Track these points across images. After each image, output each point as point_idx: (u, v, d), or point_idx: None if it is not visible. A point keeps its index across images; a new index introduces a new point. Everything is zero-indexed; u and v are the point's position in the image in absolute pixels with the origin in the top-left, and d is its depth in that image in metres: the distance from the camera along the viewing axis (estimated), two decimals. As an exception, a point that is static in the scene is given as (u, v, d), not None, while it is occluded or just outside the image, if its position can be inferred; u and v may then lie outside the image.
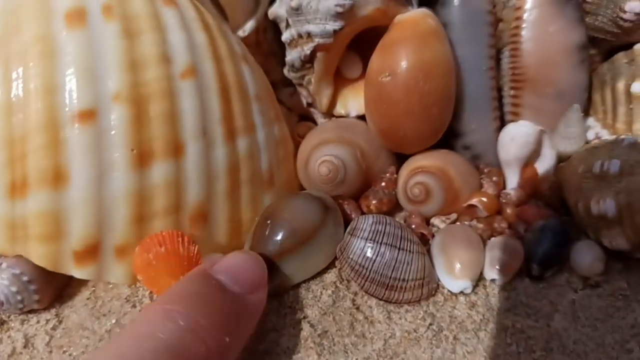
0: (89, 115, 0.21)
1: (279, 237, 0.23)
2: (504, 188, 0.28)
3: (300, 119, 0.32)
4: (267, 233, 0.23)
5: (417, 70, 0.25)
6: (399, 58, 0.25)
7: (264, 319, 0.23)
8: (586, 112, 0.30)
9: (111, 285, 0.26)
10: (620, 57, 0.29)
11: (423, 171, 0.26)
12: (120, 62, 0.22)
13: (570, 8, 0.27)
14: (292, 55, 0.28)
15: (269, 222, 0.24)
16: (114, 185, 0.22)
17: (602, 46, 0.30)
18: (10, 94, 0.21)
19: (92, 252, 0.22)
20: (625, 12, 0.27)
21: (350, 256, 0.23)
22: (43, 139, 0.21)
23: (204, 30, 0.24)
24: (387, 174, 0.27)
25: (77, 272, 0.23)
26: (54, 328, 0.24)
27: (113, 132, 0.21)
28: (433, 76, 0.25)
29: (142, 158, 0.22)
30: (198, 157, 0.23)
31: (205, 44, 0.24)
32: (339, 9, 0.25)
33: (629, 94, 0.28)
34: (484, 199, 0.26)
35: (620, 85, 0.28)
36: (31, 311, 0.25)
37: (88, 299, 0.25)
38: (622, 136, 0.25)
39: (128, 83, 0.21)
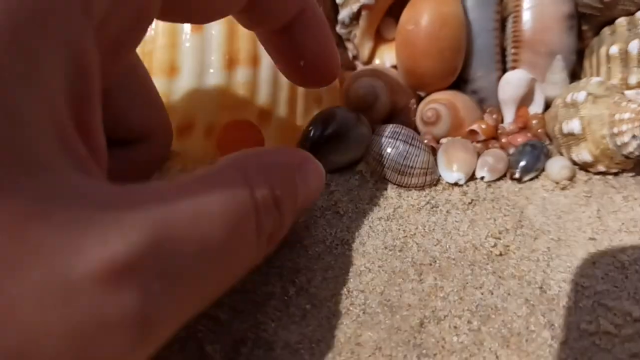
0: (199, 27, 0.30)
1: (325, 131, 0.30)
2: (502, 123, 0.35)
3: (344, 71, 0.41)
4: (317, 126, 0.31)
5: (435, 20, 0.33)
6: (422, 11, 0.33)
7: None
8: (577, 76, 0.38)
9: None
10: (605, 30, 0.36)
11: (435, 101, 0.34)
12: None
13: (562, -14, 0.35)
14: (343, 14, 0.37)
15: (318, 120, 0.31)
16: (210, 80, 0.31)
17: (592, 23, 0.37)
18: (148, 10, 0.31)
19: (187, 129, 0.31)
20: (605, -10, 0.34)
21: (374, 149, 0.31)
22: (165, 41, 0.30)
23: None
24: (409, 104, 0.36)
25: (175, 144, 0.32)
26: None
27: (213, 41, 0.30)
28: (448, 26, 0.33)
29: (230, 62, 0.31)
30: (268, 69, 0.32)
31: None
32: (380, -25, 0.34)
33: (608, 56, 0.35)
34: (483, 126, 0.34)
35: (603, 50, 0.35)
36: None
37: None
38: (593, 77, 0.33)
39: (226, 9, 0.31)
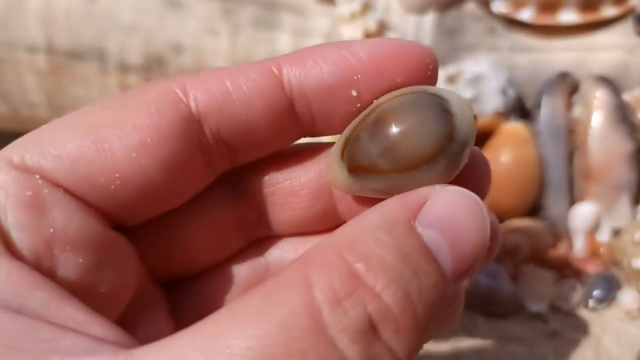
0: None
1: (374, 149, 0.17)
2: (572, 249, 0.40)
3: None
4: (363, 135, 0.17)
5: (513, 163, 0.38)
6: (502, 154, 0.38)
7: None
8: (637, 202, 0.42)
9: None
10: (663, 163, 0.41)
11: (515, 231, 0.39)
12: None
13: (624, 126, 0.40)
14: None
15: (372, 122, 0.17)
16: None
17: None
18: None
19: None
20: (664, 131, 0.39)
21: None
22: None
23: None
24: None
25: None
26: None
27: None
28: (525, 168, 0.38)
29: None
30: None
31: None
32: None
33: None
34: (557, 255, 0.38)
35: (663, 183, 0.40)
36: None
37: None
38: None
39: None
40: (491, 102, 0.39)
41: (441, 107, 0.16)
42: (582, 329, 0.35)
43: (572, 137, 0.41)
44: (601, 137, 0.40)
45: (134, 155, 0.17)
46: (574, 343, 0.34)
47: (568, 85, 0.41)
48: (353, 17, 0.40)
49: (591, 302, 0.36)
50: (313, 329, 0.13)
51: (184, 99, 0.18)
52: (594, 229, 0.39)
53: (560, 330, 0.35)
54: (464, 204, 0.15)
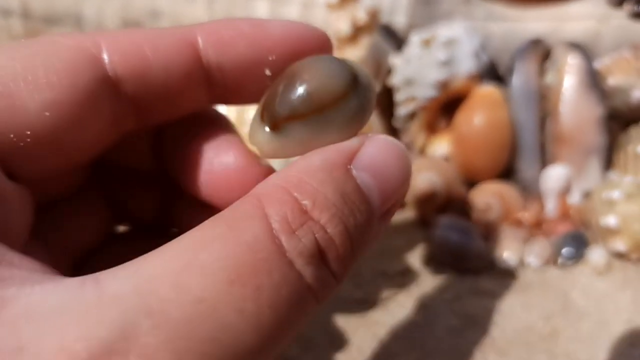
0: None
1: (290, 97, 0.18)
2: (544, 210, 0.40)
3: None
4: (279, 91, 0.19)
5: (486, 125, 0.38)
6: (475, 116, 0.39)
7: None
8: (610, 167, 0.42)
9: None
10: (632, 129, 0.42)
11: (487, 192, 0.39)
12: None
13: (595, 92, 0.40)
14: (401, 111, 0.42)
15: (284, 80, 0.19)
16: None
17: (619, 120, 0.43)
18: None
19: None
20: (632, 97, 0.40)
21: (435, 239, 0.36)
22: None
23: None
24: (461, 195, 0.40)
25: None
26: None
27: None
28: (497, 129, 0.39)
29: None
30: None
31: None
32: (438, 82, 0.40)
33: (635, 154, 0.40)
34: (528, 215, 0.39)
35: (630, 148, 0.40)
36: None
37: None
38: (626, 177, 0.38)
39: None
40: (464, 65, 0.39)
41: (342, 61, 0.19)
42: (551, 284, 0.36)
43: (544, 103, 0.42)
44: (572, 102, 0.40)
45: (47, 114, 0.17)
46: (543, 297, 0.35)
47: (540, 52, 0.42)
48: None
49: (560, 260, 0.36)
50: (276, 251, 0.15)
51: (101, 60, 0.18)
52: (565, 191, 0.40)
53: (530, 285, 0.35)
54: (391, 150, 0.18)
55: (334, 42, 0.40)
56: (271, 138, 0.19)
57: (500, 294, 0.35)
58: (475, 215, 0.39)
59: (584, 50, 0.41)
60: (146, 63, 0.19)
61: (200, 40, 0.20)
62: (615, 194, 0.36)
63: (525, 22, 0.44)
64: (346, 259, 0.16)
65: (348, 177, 0.17)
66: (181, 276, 0.14)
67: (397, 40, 0.44)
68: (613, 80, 0.40)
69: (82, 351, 0.13)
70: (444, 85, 0.40)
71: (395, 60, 0.42)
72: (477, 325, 0.33)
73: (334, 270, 0.16)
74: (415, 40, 0.41)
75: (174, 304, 0.13)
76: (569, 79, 0.40)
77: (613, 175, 0.40)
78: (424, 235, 0.38)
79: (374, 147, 0.17)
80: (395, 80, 0.42)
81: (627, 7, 0.43)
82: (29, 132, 0.17)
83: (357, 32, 0.41)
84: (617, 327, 0.33)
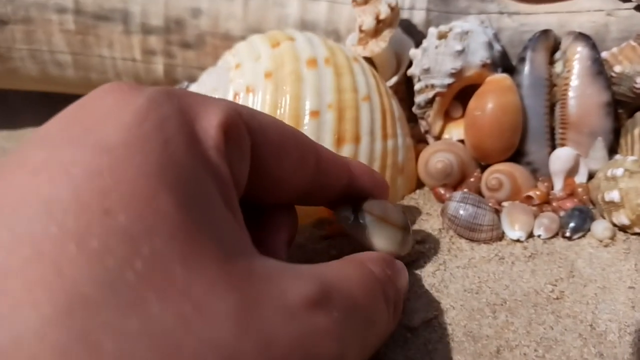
0: (316, 114, 0.39)
1: (376, 204, 0.32)
2: (552, 190, 0.43)
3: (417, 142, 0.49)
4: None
5: (497, 109, 0.42)
6: (487, 101, 0.42)
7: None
8: (615, 151, 0.45)
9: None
10: (638, 114, 0.44)
11: (497, 171, 0.42)
12: (333, 88, 0.40)
13: (600, 79, 0.43)
14: (419, 98, 0.46)
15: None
16: (322, 154, 0.39)
17: (627, 107, 0.45)
18: (277, 100, 0.40)
19: (303, 192, 0.40)
20: (637, 83, 0.43)
21: (448, 212, 0.39)
22: (293, 124, 0.39)
23: (373, 77, 0.43)
24: (475, 173, 0.44)
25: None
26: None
27: (326, 124, 0.39)
28: (508, 113, 0.42)
29: (339, 141, 0.39)
30: (367, 145, 0.40)
31: (374, 84, 0.42)
32: (453, 71, 0.43)
33: (640, 136, 0.43)
34: (537, 192, 0.42)
35: (636, 131, 0.43)
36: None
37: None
38: (629, 156, 0.40)
39: (336, 99, 0.40)
40: (478, 54, 0.43)
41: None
42: (558, 253, 0.38)
43: (553, 91, 0.45)
44: (579, 89, 0.43)
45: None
46: (550, 264, 0.38)
47: (550, 41, 0.45)
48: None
49: (567, 232, 0.39)
50: (378, 290, 0.27)
51: None
52: (572, 171, 0.43)
53: (538, 254, 0.38)
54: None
55: (359, 35, 0.44)
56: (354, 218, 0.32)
57: (510, 261, 0.38)
58: (487, 194, 0.42)
59: (591, 39, 0.44)
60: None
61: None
62: (619, 172, 0.39)
63: (536, 16, 0.47)
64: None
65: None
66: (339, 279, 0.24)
67: (416, 33, 0.47)
68: (619, 68, 0.43)
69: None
70: (458, 74, 0.43)
71: (415, 51, 0.45)
72: (489, 288, 0.36)
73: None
74: (432, 32, 0.44)
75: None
76: (576, 67, 0.43)
77: (618, 156, 0.43)
78: (439, 208, 0.41)
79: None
80: (414, 70, 0.46)
81: (635, 0, 0.45)
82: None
83: (381, 26, 0.45)
84: (620, 292, 0.36)
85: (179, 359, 0.15)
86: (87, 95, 0.21)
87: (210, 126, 0.22)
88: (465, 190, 0.42)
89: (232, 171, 0.22)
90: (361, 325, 0.24)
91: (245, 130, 0.24)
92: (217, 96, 0.27)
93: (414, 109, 0.47)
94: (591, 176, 0.43)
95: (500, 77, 0.43)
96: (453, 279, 0.37)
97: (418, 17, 0.48)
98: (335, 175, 0.30)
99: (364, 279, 0.25)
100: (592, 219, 0.40)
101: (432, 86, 0.44)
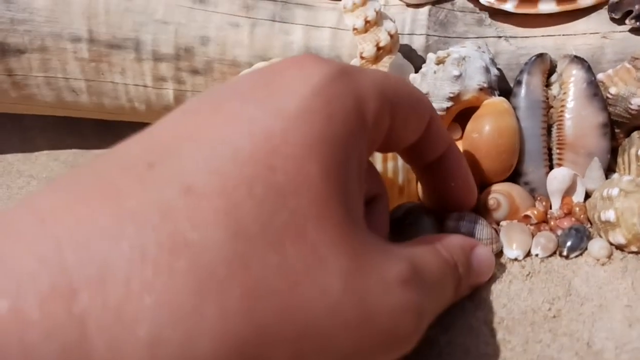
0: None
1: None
2: (550, 209, 0.44)
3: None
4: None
5: (494, 131, 0.43)
6: (484, 124, 0.43)
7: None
8: (613, 169, 0.46)
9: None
10: (634, 134, 0.45)
11: (496, 191, 0.44)
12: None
13: (596, 101, 0.44)
14: (420, 121, 0.47)
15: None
16: (324, 177, 0.41)
17: (623, 127, 0.46)
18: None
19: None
20: (632, 104, 0.44)
21: (447, 230, 0.40)
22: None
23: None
24: (474, 193, 0.45)
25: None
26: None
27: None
28: (504, 136, 0.43)
29: (385, 157, 0.41)
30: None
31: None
32: (451, 95, 0.44)
33: (637, 156, 0.44)
34: (535, 212, 0.43)
35: (633, 151, 0.44)
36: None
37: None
38: (624, 176, 0.41)
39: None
40: (475, 78, 0.44)
41: None
42: (555, 272, 0.39)
43: (550, 113, 0.46)
44: (576, 109, 0.44)
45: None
46: (547, 282, 0.39)
47: (546, 64, 0.46)
48: (355, 6, 0.45)
49: (565, 251, 0.40)
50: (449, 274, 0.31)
51: None
52: (570, 191, 0.44)
53: (535, 272, 0.39)
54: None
55: (360, 61, 0.46)
56: None
57: (507, 280, 0.39)
58: (485, 213, 0.43)
59: (586, 63, 0.45)
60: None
61: None
62: (615, 191, 0.39)
63: (533, 39, 0.48)
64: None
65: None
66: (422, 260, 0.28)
67: (417, 58, 0.49)
68: (614, 90, 0.44)
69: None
70: (456, 97, 0.44)
71: (414, 76, 0.47)
72: (486, 307, 0.37)
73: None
74: (431, 58, 0.46)
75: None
76: (572, 89, 0.45)
77: (615, 175, 0.44)
78: (437, 227, 0.42)
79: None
80: (414, 93, 0.47)
81: (629, 23, 0.47)
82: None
83: (381, 52, 0.46)
84: (617, 311, 0.37)
85: (296, 290, 0.20)
86: (279, 62, 0.25)
87: (367, 109, 0.25)
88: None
89: (369, 146, 0.27)
90: (434, 303, 0.28)
91: (389, 110, 0.27)
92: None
93: (415, 131, 0.49)
94: (588, 195, 0.44)
95: (496, 100, 0.44)
96: (452, 298, 0.38)
97: (418, 42, 0.50)
98: (434, 146, 0.33)
99: (439, 261, 0.29)
100: (589, 237, 0.41)
101: (432, 109, 0.46)
